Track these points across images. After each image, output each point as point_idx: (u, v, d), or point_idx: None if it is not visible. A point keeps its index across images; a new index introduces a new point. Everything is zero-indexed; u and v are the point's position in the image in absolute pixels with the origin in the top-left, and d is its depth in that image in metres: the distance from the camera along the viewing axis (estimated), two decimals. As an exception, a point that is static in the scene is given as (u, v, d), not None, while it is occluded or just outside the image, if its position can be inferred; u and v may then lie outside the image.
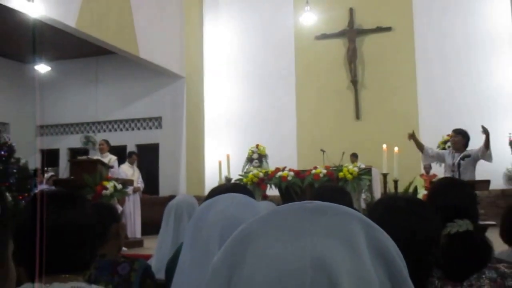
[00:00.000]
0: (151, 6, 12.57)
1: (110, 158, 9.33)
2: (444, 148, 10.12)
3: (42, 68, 14.14)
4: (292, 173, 7.72)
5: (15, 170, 6.59)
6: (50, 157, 15.86)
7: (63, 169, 12.55)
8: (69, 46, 13.41)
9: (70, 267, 1.39)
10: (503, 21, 12.13)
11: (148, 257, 2.92)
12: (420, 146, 6.94)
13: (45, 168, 14.54)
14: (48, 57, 13.91)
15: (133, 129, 15.11)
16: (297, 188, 7.56)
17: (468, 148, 6.56)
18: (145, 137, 14.83)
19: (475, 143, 6.71)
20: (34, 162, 13.77)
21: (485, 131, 6.33)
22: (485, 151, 6.39)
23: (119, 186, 8.15)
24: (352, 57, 13.17)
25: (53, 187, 9.29)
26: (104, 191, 7.85)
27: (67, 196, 1.48)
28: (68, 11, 9.94)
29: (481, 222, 4.29)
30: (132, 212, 9.45)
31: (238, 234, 0.56)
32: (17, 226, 1.39)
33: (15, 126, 15.32)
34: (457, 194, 2.00)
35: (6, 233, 0.62)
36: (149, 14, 12.40)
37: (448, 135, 8.65)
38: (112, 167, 9.06)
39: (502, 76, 12.11)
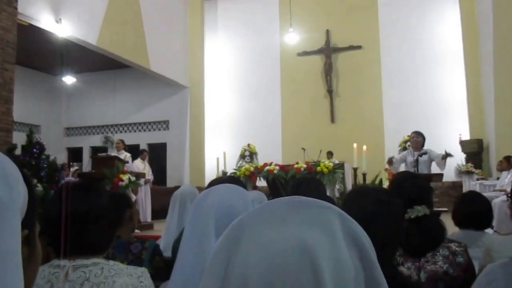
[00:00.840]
0: (161, 27, 12.54)
1: (125, 155, 9.28)
2: (405, 148, 10.17)
3: (69, 79, 14.06)
4: (277, 167, 7.71)
5: (45, 165, 6.52)
6: (75, 154, 15.80)
7: (86, 164, 12.49)
8: (92, 61, 13.35)
9: (92, 247, 1.38)
10: (454, 43, 12.21)
11: (158, 238, 2.89)
12: (388, 161, 6.82)
13: (71, 163, 14.46)
14: (73, 70, 13.86)
15: (145, 130, 15.05)
16: (282, 180, 7.55)
17: (425, 147, 6.57)
18: (155, 137, 14.79)
19: (428, 142, 6.74)
20: (61, 158, 13.70)
21: (448, 155, 6.14)
22: (442, 162, 6.25)
23: (133, 178, 8.10)
24: (328, 71, 13.20)
25: (77, 179, 9.22)
26: (120, 183, 7.80)
27: (89, 187, 1.46)
28: (90, 31, 9.89)
29: (435, 209, 4.32)
30: (143, 200, 9.40)
31: (237, 222, 0.56)
32: (47, 213, 1.37)
33: (46, 128, 15.23)
34: (414, 184, 2.00)
35: (33, 216, 0.61)
36: (158, 34, 12.37)
37: (408, 136, 8.68)
38: (127, 162, 9.00)
39: (453, 87, 12.19)
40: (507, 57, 9.48)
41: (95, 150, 14.73)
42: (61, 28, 9.05)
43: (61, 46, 10.86)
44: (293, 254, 0.49)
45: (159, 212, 8.77)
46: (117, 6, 10.70)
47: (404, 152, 7.16)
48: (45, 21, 8.78)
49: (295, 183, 2.88)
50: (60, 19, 9.00)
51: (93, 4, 10.01)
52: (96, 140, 15.03)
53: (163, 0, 12.83)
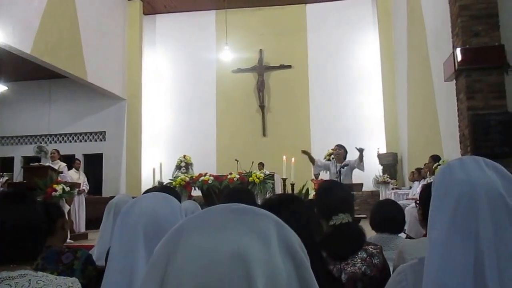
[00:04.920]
0: (99, 39, 12.11)
1: (60, 165, 8.81)
2: (329, 160, 10.49)
3: (0, 87, 13.13)
4: (212, 178, 7.68)
5: (-28, 175, 6.03)
6: (5, 164, 14.72)
7: (17, 174, 11.66)
8: (25, 70, 12.55)
9: (20, 258, 1.28)
10: (374, 67, 12.90)
11: (91, 247, 2.75)
12: (311, 160, 7.08)
13: (1, 174, 13.45)
14: (5, 78, 12.96)
15: (80, 141, 14.37)
16: (216, 189, 7.52)
17: (347, 159, 6.82)
18: (91, 147, 14.16)
19: (352, 155, 7.01)
20: (-10, 168, 12.72)
21: (360, 150, 6.55)
22: (359, 163, 6.61)
23: (67, 188, 7.69)
24: (260, 87, 13.41)
25: (6, 189, 8.59)
26: (53, 193, 7.37)
27: (18, 196, 1.37)
28: (24, 39, 9.30)
29: (356, 216, 4.48)
30: (77, 210, 8.95)
31: (176, 227, 0.54)
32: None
33: (-26, 137, 14.09)
34: (338, 192, 2.06)
35: None
36: (96, 44, 11.93)
37: (332, 149, 8.95)
38: (61, 172, 8.56)
39: (372, 105, 12.83)
40: (418, 81, 10.13)
41: (27, 160, 13.83)
42: (-8, 35, 8.46)
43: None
44: (227, 261, 0.48)
45: (95, 222, 8.37)
46: (53, 15, 10.18)
47: (329, 162, 7.39)
48: (-24, 27, 8.18)
49: (227, 193, 2.86)
50: (-9, 25, 8.42)
51: (27, 12, 9.42)
52: (29, 149, 14.12)
53: (101, 12, 12.41)
